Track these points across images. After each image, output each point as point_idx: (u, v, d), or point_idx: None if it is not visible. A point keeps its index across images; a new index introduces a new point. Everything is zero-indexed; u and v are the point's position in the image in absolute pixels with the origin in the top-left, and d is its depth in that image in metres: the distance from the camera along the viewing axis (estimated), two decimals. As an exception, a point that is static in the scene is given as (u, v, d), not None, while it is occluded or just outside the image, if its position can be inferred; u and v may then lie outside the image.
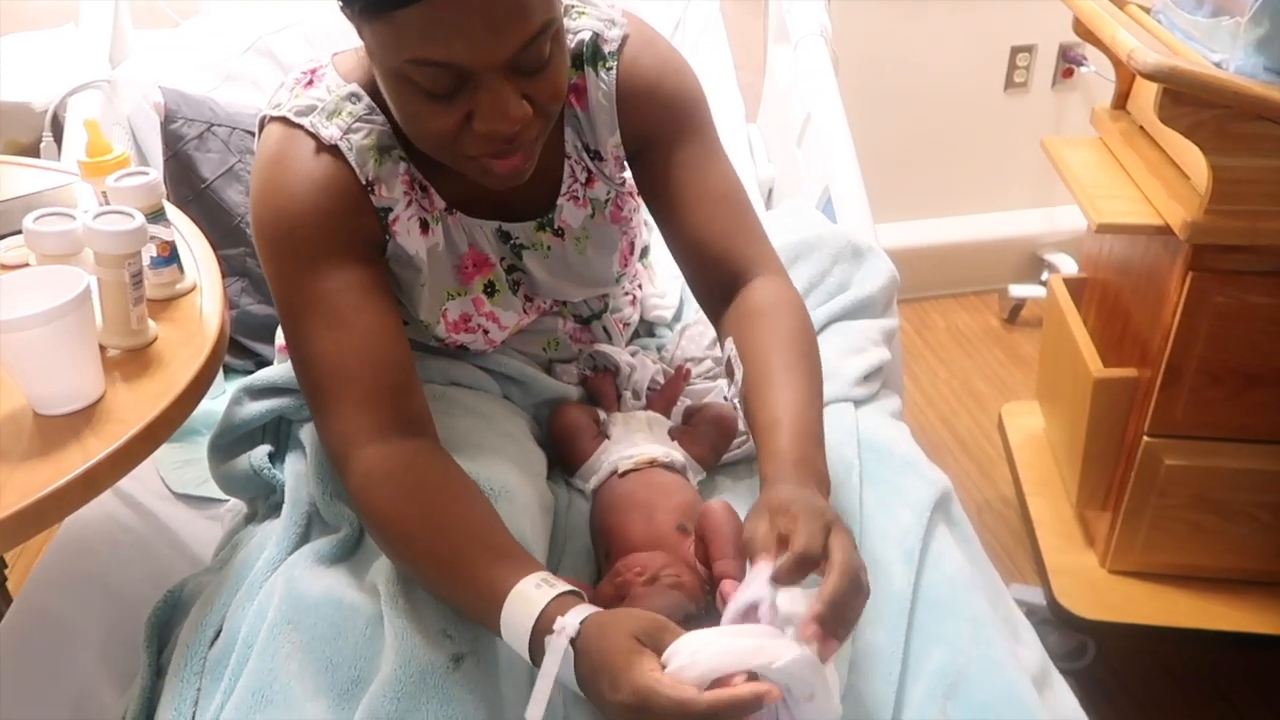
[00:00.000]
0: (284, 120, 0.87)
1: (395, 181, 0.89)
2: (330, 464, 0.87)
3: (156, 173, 0.96)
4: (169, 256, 0.96)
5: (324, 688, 0.77)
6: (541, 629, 0.70)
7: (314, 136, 0.86)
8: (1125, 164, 1.34)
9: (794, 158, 1.65)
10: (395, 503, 0.79)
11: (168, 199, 0.99)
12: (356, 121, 0.87)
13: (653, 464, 0.94)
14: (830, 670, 0.68)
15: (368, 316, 0.85)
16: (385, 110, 0.88)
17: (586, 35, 0.93)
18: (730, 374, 0.88)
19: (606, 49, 0.93)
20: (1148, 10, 1.35)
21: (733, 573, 0.78)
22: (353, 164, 0.86)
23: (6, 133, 1.70)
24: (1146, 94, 1.31)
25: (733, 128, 1.77)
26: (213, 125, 1.44)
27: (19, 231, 0.97)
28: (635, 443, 0.97)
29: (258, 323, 1.42)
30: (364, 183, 0.87)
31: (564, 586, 0.72)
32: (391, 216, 0.89)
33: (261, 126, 0.90)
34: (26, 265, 0.96)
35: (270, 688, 0.76)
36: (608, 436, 0.99)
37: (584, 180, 0.98)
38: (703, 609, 0.80)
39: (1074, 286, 1.54)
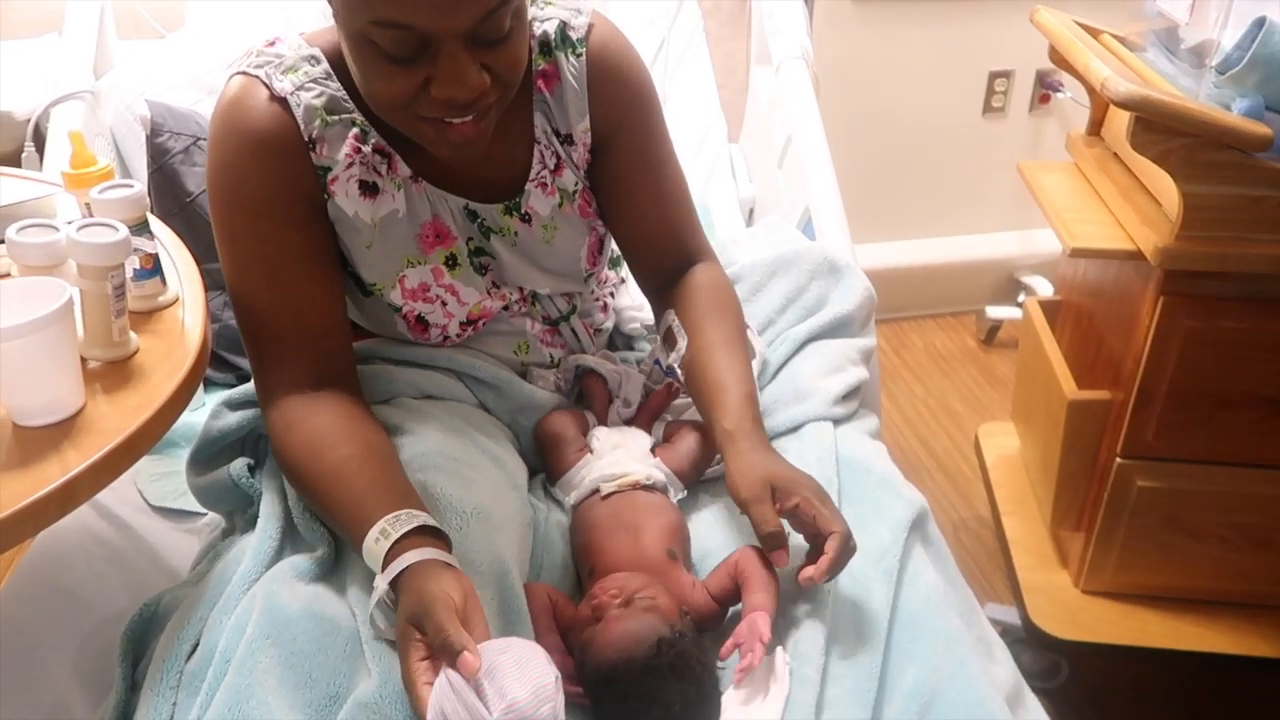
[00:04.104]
0: (243, 73, 0.92)
1: (341, 144, 0.92)
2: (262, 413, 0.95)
3: (140, 185, 0.96)
4: (152, 269, 0.96)
5: (301, 703, 0.76)
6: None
7: (267, 86, 0.90)
8: (1099, 189, 1.37)
9: (775, 178, 1.67)
10: (297, 456, 0.89)
11: (151, 211, 0.99)
12: (311, 81, 0.92)
13: (635, 487, 0.95)
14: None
15: (304, 285, 0.93)
16: (343, 79, 0.92)
17: (554, 24, 0.98)
18: (671, 342, 1.01)
19: (574, 35, 0.98)
20: (1120, 39, 1.38)
21: (765, 606, 0.83)
22: (298, 119, 0.91)
23: (-13, 141, 1.69)
24: (1119, 121, 1.34)
25: (715, 147, 1.78)
26: (198, 139, 1.44)
27: (0, 241, 0.97)
28: (618, 460, 0.97)
29: (239, 336, 1.41)
30: (307, 140, 0.91)
31: (404, 529, 0.79)
32: (330, 176, 0.93)
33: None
34: (8, 276, 0.95)
35: (247, 703, 0.76)
36: (591, 450, 1.00)
37: (553, 167, 1.01)
38: (677, 632, 0.81)
39: (1049, 309, 1.56)
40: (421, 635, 0.74)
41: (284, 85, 0.90)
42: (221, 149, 0.91)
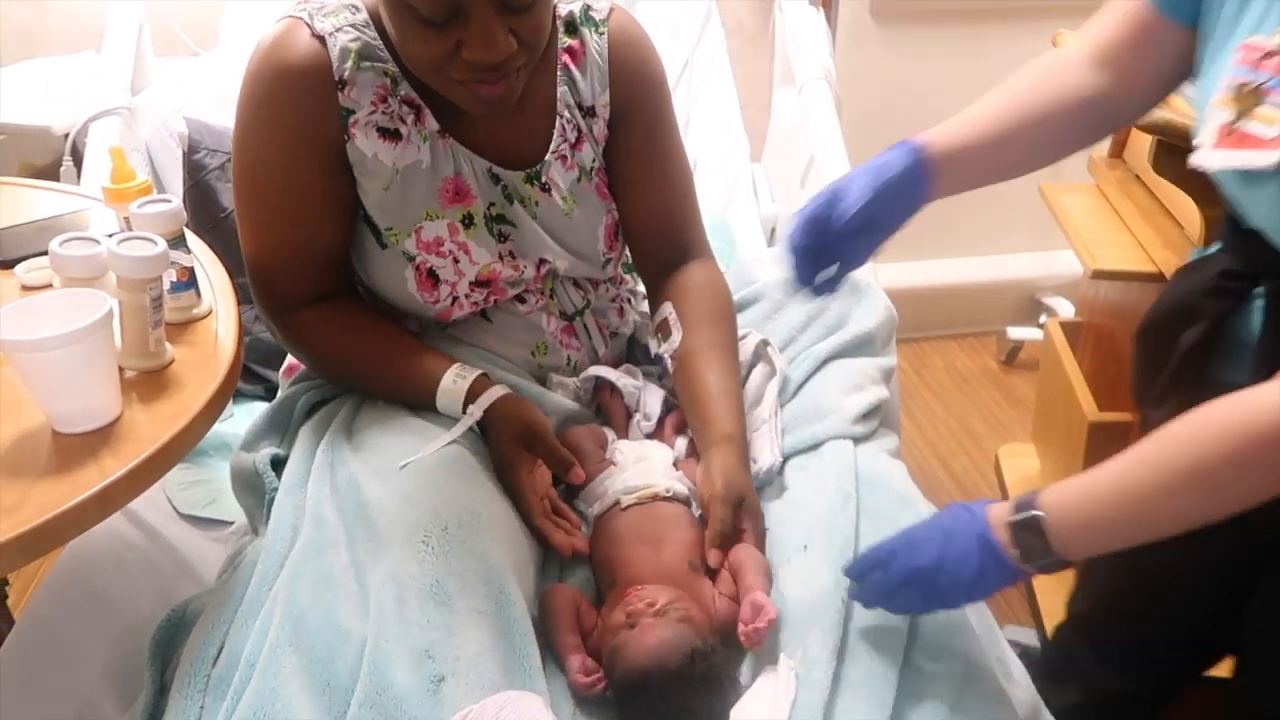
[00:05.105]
0: (290, 16, 0.99)
1: (368, 90, 0.99)
2: (265, 319, 1.06)
3: (178, 200, 0.98)
4: (188, 281, 0.98)
5: (322, 709, 0.78)
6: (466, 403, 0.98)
7: (309, 26, 0.96)
8: (1121, 211, 1.37)
9: (797, 198, 1.68)
10: (328, 342, 1.03)
11: (187, 226, 1.01)
12: (349, 25, 0.98)
13: (655, 498, 0.96)
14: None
15: (319, 224, 1.01)
16: (380, 32, 0.98)
17: (578, 5, 1.05)
18: (665, 334, 1.07)
19: (597, 16, 1.06)
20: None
21: (759, 586, 0.87)
22: (333, 58, 0.96)
23: (24, 155, 1.73)
24: (1142, 144, 1.34)
25: (737, 166, 1.80)
26: (234, 156, 1.47)
27: (40, 253, 0.99)
28: (641, 472, 0.98)
29: (269, 349, 1.43)
30: (337, 80, 0.97)
31: (474, 375, 0.99)
32: (352, 119, 0.99)
33: None
34: (50, 287, 0.98)
35: (272, 707, 0.77)
36: (614, 463, 1.01)
37: (573, 141, 1.06)
38: (709, 645, 0.82)
39: (1070, 330, 1.56)
40: (530, 453, 0.96)
41: (324, 25, 0.97)
42: (259, 82, 0.98)
